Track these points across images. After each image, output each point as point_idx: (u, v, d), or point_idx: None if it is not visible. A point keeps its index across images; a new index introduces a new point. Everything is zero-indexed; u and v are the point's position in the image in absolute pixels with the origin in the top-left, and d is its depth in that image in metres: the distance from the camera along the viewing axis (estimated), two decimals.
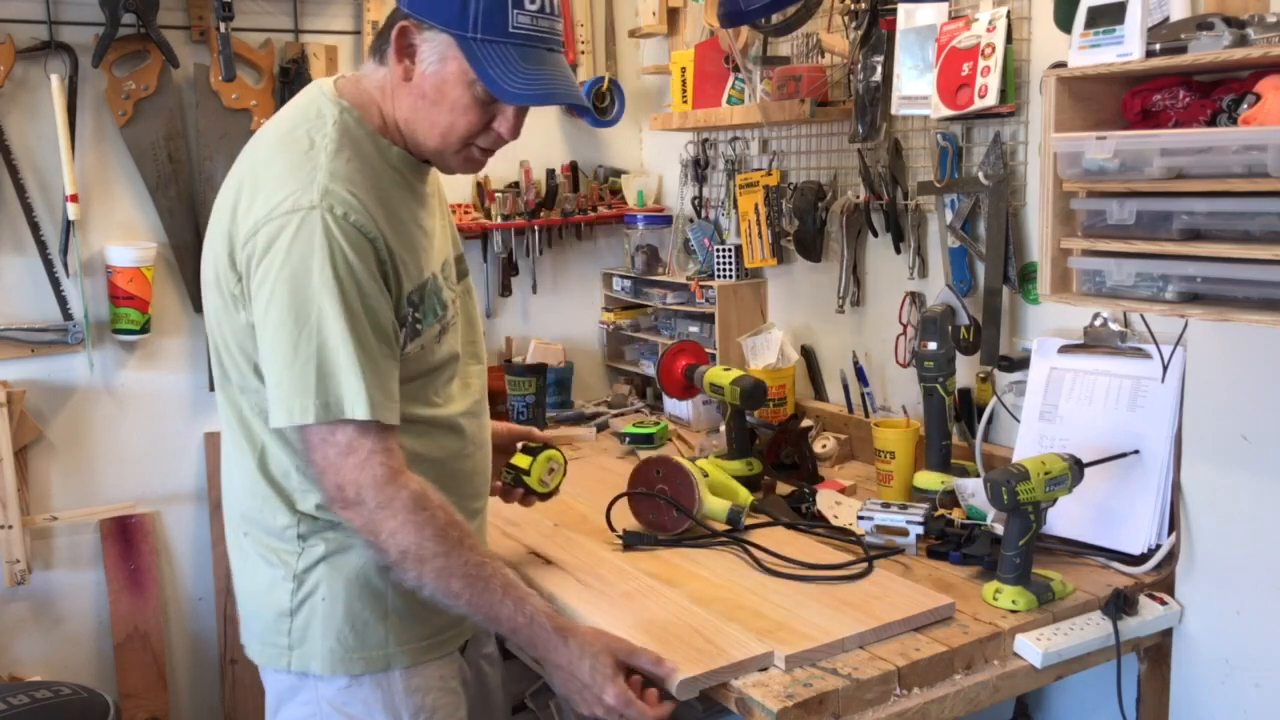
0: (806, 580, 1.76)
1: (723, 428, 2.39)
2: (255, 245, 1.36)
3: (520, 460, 1.79)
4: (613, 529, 1.97)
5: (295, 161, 1.39)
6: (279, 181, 1.38)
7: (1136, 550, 1.80)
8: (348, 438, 1.36)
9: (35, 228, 2.49)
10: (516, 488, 1.79)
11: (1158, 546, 1.80)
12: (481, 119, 1.44)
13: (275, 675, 1.54)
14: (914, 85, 2.15)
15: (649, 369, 3.01)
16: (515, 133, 1.48)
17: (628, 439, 2.63)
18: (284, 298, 1.34)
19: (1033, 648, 1.59)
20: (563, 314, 3.14)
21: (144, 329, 2.57)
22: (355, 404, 1.34)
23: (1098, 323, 1.94)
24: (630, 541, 1.93)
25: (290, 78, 2.67)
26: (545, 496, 1.82)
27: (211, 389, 2.65)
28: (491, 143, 1.49)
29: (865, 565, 1.78)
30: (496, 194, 2.93)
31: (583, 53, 3.00)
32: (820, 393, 2.70)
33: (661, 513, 1.97)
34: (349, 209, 1.36)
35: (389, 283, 1.41)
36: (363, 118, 1.46)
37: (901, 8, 2.16)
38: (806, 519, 2.05)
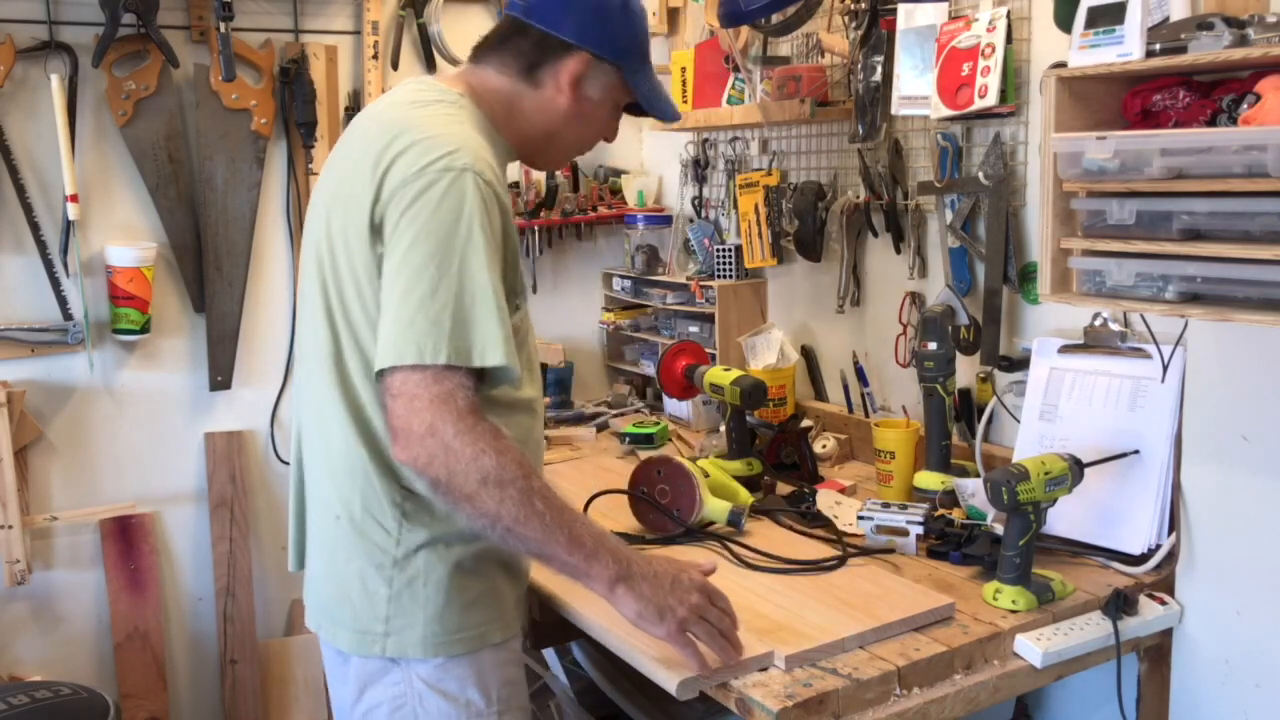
0: (783, 574, 1.79)
1: (723, 428, 2.39)
2: (404, 197, 1.40)
3: None
4: None
5: (441, 126, 1.46)
6: (429, 143, 1.42)
7: (1136, 550, 1.80)
8: (452, 377, 1.36)
9: (35, 228, 2.49)
10: None
11: (1158, 546, 1.80)
12: (609, 129, 1.66)
13: (362, 661, 1.53)
14: (914, 85, 2.15)
15: (649, 369, 3.01)
16: (615, 137, 1.70)
17: (628, 439, 2.63)
18: (428, 245, 1.37)
19: (1033, 648, 1.59)
20: (563, 314, 3.14)
21: (144, 329, 2.57)
22: (488, 350, 1.37)
23: (1098, 323, 1.94)
24: None
25: (290, 78, 2.67)
26: None
27: (212, 389, 2.69)
28: (594, 146, 1.69)
29: (839, 559, 1.83)
30: None
31: None
32: (820, 393, 2.70)
33: (663, 512, 1.97)
34: (494, 178, 1.44)
35: (508, 253, 1.48)
36: (477, 107, 1.55)
37: (901, 8, 2.17)
38: (807, 519, 2.05)
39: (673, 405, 2.85)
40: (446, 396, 1.35)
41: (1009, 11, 2.00)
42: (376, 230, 1.42)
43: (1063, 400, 1.95)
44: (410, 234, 1.38)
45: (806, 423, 2.53)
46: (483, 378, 1.40)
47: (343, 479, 1.50)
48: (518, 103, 1.56)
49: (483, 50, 1.61)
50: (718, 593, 1.48)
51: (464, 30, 2.82)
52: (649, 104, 1.61)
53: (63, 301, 2.53)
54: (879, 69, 2.27)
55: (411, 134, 1.44)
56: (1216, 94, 1.50)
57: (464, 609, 1.50)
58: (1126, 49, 1.50)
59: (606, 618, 1.64)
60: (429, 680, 1.51)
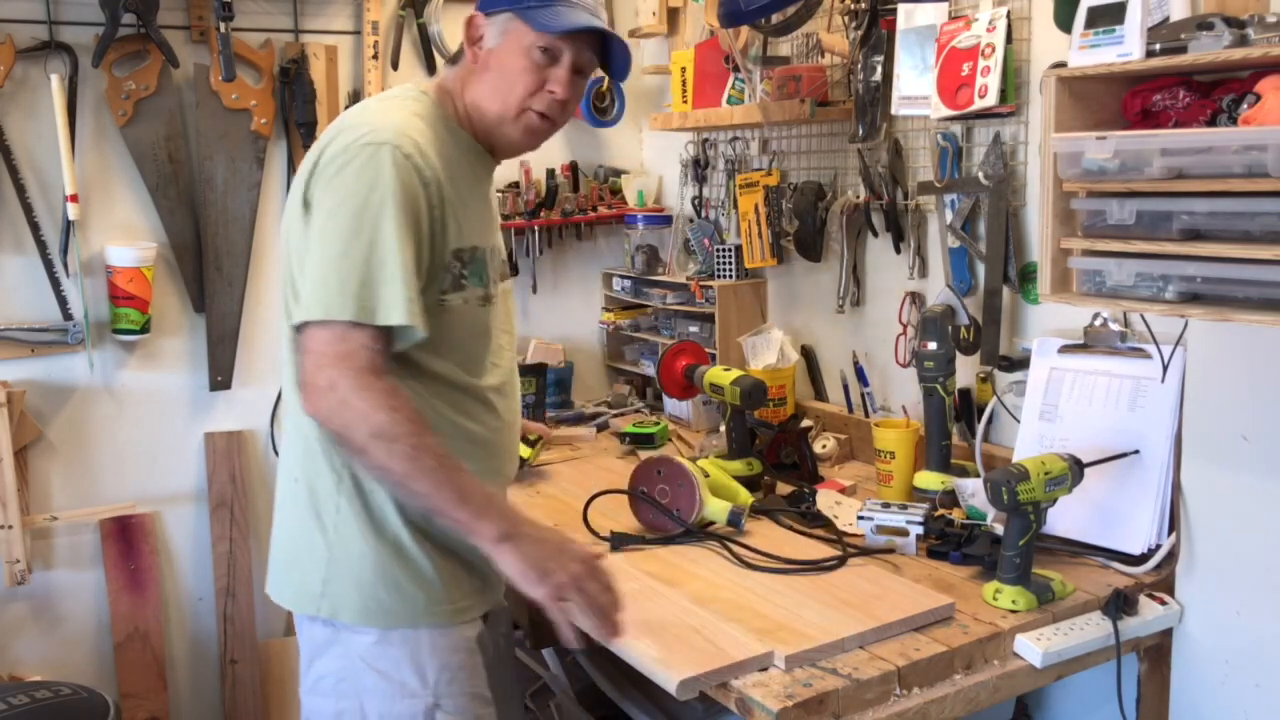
0: (783, 574, 1.79)
1: (723, 428, 2.39)
2: (328, 169, 1.51)
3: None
4: (592, 531, 1.98)
5: (377, 114, 1.58)
6: (357, 126, 1.54)
7: (1136, 550, 1.80)
8: (356, 336, 1.44)
9: (35, 228, 2.49)
10: None
11: (1158, 546, 1.80)
12: (537, 80, 1.60)
13: (309, 627, 1.62)
14: (914, 85, 2.15)
15: (649, 369, 3.01)
16: (566, 90, 1.62)
17: (628, 439, 2.63)
18: (344, 212, 1.47)
19: (1033, 648, 1.59)
20: (563, 314, 3.14)
21: (144, 329, 2.57)
22: (392, 309, 1.44)
23: (1098, 323, 1.94)
24: (617, 543, 1.93)
25: (290, 78, 2.67)
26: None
27: (212, 389, 2.70)
28: (546, 105, 1.62)
29: (839, 559, 1.83)
30: (496, 194, 2.93)
31: None
32: (820, 393, 2.70)
33: (663, 512, 1.97)
34: (414, 151, 1.51)
35: (434, 227, 1.53)
36: (439, 103, 1.65)
37: (901, 8, 2.16)
38: (807, 519, 2.05)
39: (673, 405, 2.85)
40: (349, 354, 1.43)
41: (1009, 11, 2.00)
42: (307, 205, 1.53)
43: (1063, 400, 1.95)
44: (329, 203, 1.49)
45: (806, 423, 2.53)
46: (392, 340, 1.48)
47: (297, 442, 1.61)
48: (455, 86, 1.66)
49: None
50: (602, 570, 1.51)
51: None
52: (541, 24, 1.58)
53: (63, 301, 2.53)
54: (879, 69, 2.27)
55: (348, 120, 1.57)
56: (1216, 94, 1.50)
57: (396, 585, 1.56)
58: (1126, 49, 1.50)
59: None
60: (366, 657, 1.58)
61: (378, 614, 1.57)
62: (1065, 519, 1.86)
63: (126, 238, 2.59)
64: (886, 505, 1.95)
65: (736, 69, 2.63)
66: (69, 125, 2.45)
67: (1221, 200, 1.44)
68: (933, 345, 2.10)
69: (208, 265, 2.65)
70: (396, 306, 1.44)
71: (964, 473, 2.12)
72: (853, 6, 2.30)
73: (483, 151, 1.68)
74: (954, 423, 2.15)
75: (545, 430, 2.34)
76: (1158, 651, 1.79)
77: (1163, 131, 1.50)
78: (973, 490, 2.02)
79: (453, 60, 1.70)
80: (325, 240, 1.48)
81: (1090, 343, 1.95)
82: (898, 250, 2.39)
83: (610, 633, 1.49)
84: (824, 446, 2.49)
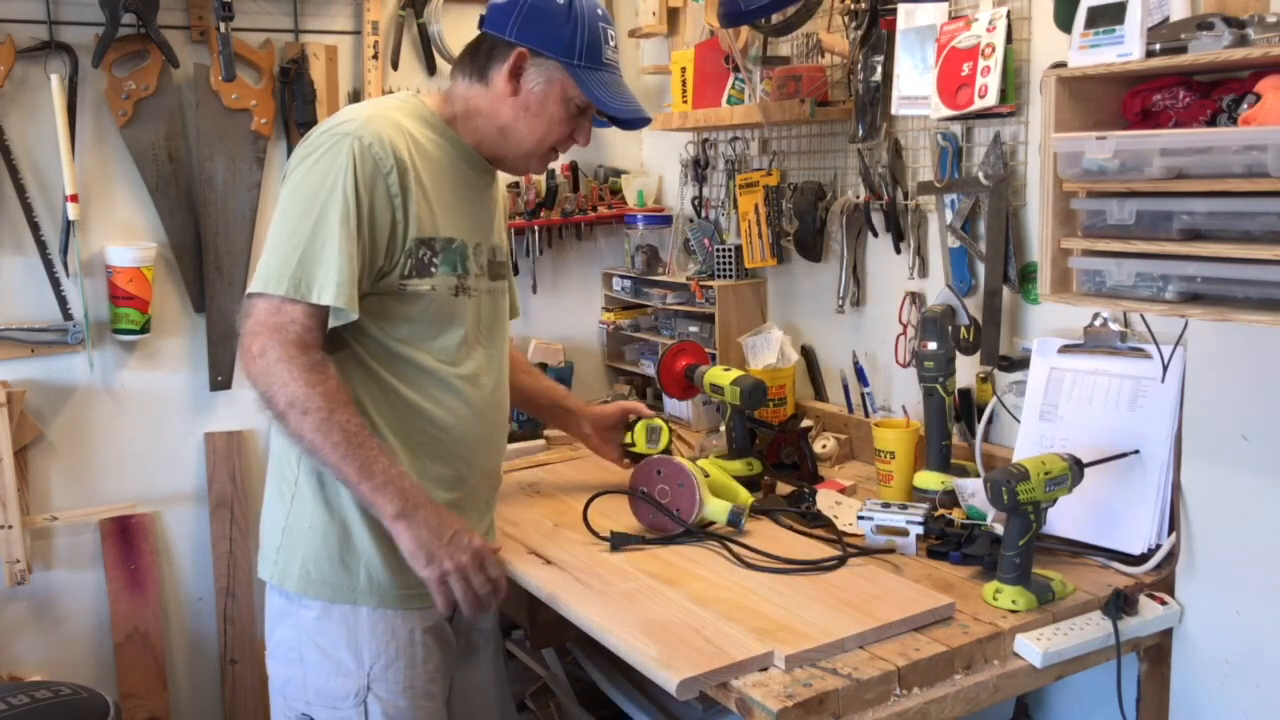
0: (783, 574, 1.79)
1: (723, 428, 2.39)
2: (298, 155, 1.63)
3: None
4: (592, 531, 1.98)
5: (356, 109, 1.69)
6: (335, 117, 1.67)
7: (1136, 550, 1.80)
8: (290, 311, 1.55)
9: (35, 228, 2.49)
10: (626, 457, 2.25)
11: (1158, 546, 1.80)
12: (569, 129, 1.75)
13: (271, 593, 1.74)
14: (914, 85, 2.15)
15: (649, 369, 3.01)
16: (588, 141, 1.79)
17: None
18: (299, 195, 1.59)
19: (1033, 648, 1.59)
20: (563, 314, 3.14)
21: (144, 329, 2.57)
22: (324, 290, 1.55)
23: (1098, 323, 1.94)
24: (617, 543, 1.93)
25: (290, 78, 2.67)
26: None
27: (212, 389, 2.70)
28: (566, 148, 1.79)
29: (839, 559, 1.83)
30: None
31: None
32: (820, 393, 2.70)
33: (663, 512, 1.97)
34: (375, 141, 1.60)
35: (395, 214, 1.63)
36: (434, 106, 1.75)
37: (901, 8, 2.17)
38: (807, 519, 2.05)
39: (673, 405, 2.85)
40: (281, 326, 1.55)
41: (1009, 11, 2.01)
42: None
43: (1063, 400, 1.95)
44: (289, 187, 1.62)
45: (806, 423, 2.53)
46: (327, 317, 1.58)
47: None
48: (474, 103, 1.73)
49: (455, 65, 1.79)
50: (491, 563, 1.63)
51: (464, 30, 2.81)
52: (599, 101, 1.70)
53: (63, 301, 2.53)
54: (879, 69, 2.27)
55: (334, 114, 1.69)
56: (1216, 94, 1.50)
57: (340, 560, 1.66)
58: (1126, 49, 1.49)
59: (604, 617, 1.64)
60: (309, 631, 1.68)
61: (320, 586, 1.66)
62: (1065, 519, 1.86)
63: (126, 238, 2.59)
64: (886, 505, 1.95)
65: (736, 69, 2.63)
66: (69, 125, 2.45)
67: (1221, 200, 1.44)
68: (933, 345, 2.10)
69: (208, 265, 2.65)
70: (328, 287, 1.54)
71: (964, 473, 2.12)
72: (853, 6, 2.30)
73: (479, 158, 1.77)
74: (954, 423, 2.15)
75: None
76: (1158, 651, 1.79)
77: (1163, 131, 1.50)
78: (973, 490, 2.02)
79: (478, 75, 1.73)
80: (279, 219, 1.60)
81: (1090, 343, 1.95)
82: (898, 250, 2.39)
83: (475, 618, 1.68)
84: (824, 446, 2.49)
